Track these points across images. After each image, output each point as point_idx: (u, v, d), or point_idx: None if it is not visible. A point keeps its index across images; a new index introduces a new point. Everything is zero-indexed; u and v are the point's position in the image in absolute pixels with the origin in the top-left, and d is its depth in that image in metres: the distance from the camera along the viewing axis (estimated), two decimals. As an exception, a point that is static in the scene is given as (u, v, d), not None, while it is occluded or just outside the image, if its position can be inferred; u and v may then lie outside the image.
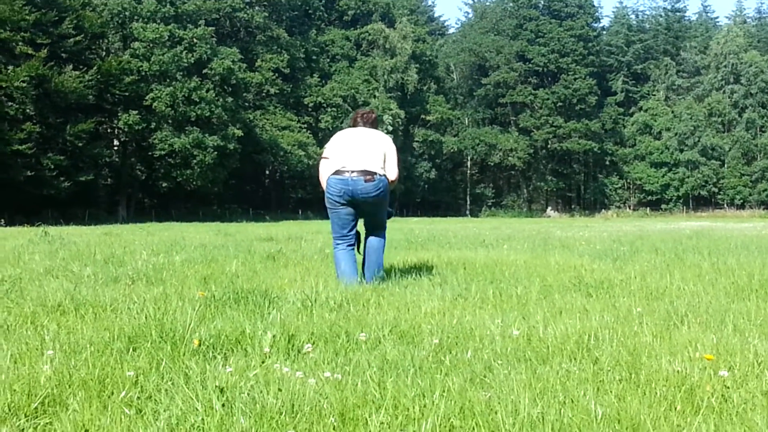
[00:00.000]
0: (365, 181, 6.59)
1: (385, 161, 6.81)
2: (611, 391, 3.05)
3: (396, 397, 2.95)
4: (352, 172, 6.61)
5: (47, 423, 2.81)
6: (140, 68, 53.56)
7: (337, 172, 6.66)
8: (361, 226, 7.10)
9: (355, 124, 7.13)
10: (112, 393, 3.07)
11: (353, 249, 6.92)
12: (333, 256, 7.11)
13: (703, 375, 3.25)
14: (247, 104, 66.57)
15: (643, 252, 10.66)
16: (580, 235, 17.72)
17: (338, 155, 6.74)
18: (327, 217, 7.00)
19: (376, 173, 6.66)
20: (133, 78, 52.22)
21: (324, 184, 6.80)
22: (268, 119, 66.74)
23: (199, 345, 3.87)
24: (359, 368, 3.44)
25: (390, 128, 67.56)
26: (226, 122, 56.43)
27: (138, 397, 3.03)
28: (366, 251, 7.06)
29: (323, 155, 6.96)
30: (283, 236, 17.13)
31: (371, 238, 7.07)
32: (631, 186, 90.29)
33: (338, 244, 6.90)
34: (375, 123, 7.19)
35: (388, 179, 6.82)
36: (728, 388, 3.10)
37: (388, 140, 7.01)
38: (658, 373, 3.30)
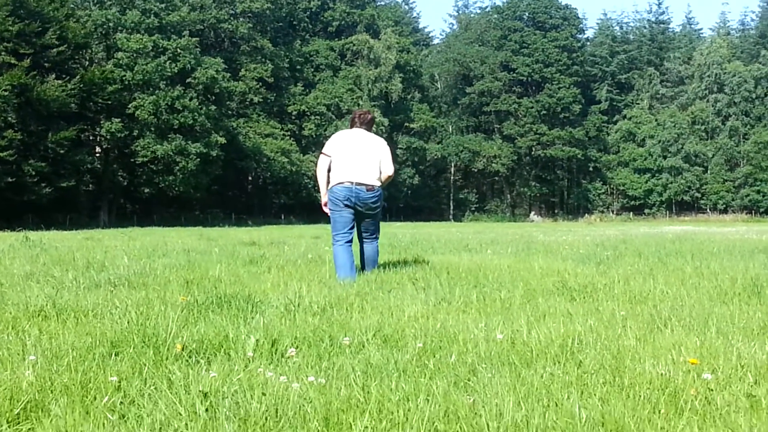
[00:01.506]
0: (366, 190, 7.69)
1: (381, 170, 7.84)
2: (595, 395, 3.05)
3: (380, 401, 2.94)
4: (356, 183, 7.64)
5: (29, 429, 2.79)
6: (123, 77, 53.31)
7: (341, 183, 7.65)
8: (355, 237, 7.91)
9: (352, 125, 8.11)
10: (95, 398, 3.04)
11: (350, 245, 7.76)
12: (332, 253, 7.87)
13: (686, 378, 3.25)
14: (230, 112, 66.55)
15: (626, 256, 10.69)
16: (563, 239, 17.72)
17: (341, 164, 7.72)
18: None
19: (374, 185, 7.74)
20: (116, 87, 52.01)
21: (320, 177, 7.88)
22: (251, 127, 66.76)
23: (182, 350, 3.84)
24: (343, 372, 3.43)
25: (374, 135, 67.63)
26: (209, 130, 56.26)
27: (121, 403, 3.01)
28: (362, 256, 8.10)
29: (323, 151, 7.92)
30: (265, 241, 17.10)
31: (366, 245, 8.09)
32: (614, 191, 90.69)
33: (338, 240, 7.75)
34: (371, 123, 8.19)
35: (383, 186, 7.95)
36: (712, 390, 3.11)
37: (382, 144, 8.00)
38: (642, 377, 3.30)
